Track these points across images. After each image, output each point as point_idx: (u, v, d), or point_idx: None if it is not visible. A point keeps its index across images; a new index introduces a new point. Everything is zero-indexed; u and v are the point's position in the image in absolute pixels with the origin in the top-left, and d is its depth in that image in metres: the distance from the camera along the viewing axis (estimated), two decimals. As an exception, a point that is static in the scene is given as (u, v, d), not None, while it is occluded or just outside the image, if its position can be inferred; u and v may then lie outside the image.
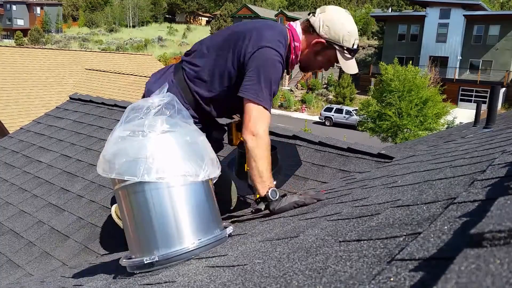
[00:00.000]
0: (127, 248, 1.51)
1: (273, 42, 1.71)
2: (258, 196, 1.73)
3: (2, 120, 11.67)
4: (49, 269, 2.47)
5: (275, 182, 1.78)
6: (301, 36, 1.84)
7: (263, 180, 1.69)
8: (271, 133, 3.21)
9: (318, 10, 1.84)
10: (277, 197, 1.68)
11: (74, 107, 4.79)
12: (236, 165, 2.81)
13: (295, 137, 3.11)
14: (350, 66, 1.87)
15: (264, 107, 1.69)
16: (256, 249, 1.16)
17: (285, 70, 1.86)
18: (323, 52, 1.85)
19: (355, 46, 1.83)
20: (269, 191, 1.67)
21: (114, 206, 2.24)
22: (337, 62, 1.87)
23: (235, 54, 1.75)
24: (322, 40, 1.81)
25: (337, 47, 1.81)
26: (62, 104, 5.02)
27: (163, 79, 1.92)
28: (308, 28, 1.83)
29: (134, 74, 15.22)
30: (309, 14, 1.88)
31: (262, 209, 1.73)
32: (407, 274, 0.59)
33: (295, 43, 1.81)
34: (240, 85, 1.72)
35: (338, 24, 1.79)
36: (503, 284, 0.41)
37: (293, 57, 1.84)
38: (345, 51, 1.83)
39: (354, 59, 1.88)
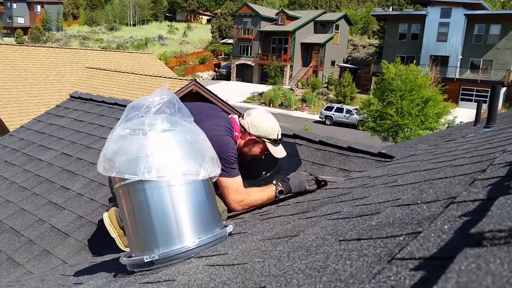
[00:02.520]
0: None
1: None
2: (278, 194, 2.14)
3: (2, 118, 11.66)
4: (49, 267, 2.47)
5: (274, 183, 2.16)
6: (239, 127, 2.28)
7: (269, 198, 2.13)
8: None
9: (245, 114, 2.34)
10: (283, 189, 2.11)
11: (75, 105, 4.79)
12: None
13: (295, 136, 3.11)
14: (278, 151, 2.34)
15: (233, 177, 2.10)
16: (256, 247, 1.16)
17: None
18: (256, 145, 2.31)
19: (279, 137, 2.31)
20: (277, 191, 2.11)
21: (106, 213, 2.23)
22: (267, 150, 2.31)
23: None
24: (253, 137, 2.27)
25: (265, 140, 2.29)
26: (63, 103, 5.02)
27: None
28: (241, 128, 2.29)
29: (135, 72, 15.21)
30: (239, 117, 2.34)
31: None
32: (407, 273, 0.59)
33: (235, 133, 2.25)
34: None
35: (263, 123, 2.28)
36: (504, 284, 0.41)
37: (236, 144, 2.23)
38: (272, 142, 2.30)
39: (280, 145, 2.36)
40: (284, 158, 2.86)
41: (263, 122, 2.29)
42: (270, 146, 2.30)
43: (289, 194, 2.15)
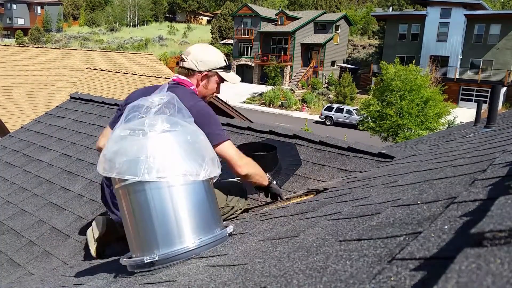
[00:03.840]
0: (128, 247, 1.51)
1: None
2: (266, 186, 2.17)
3: (2, 119, 11.67)
4: (49, 268, 2.47)
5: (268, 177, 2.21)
6: (189, 80, 2.15)
7: (262, 176, 2.14)
8: (272, 132, 3.21)
9: (184, 55, 2.20)
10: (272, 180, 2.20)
11: (75, 106, 4.79)
12: None
13: (295, 136, 3.11)
14: (233, 77, 2.26)
15: (226, 139, 2.01)
16: (256, 248, 1.16)
17: None
18: (210, 80, 2.20)
19: (227, 62, 2.24)
20: (269, 177, 2.18)
21: (89, 231, 2.26)
22: (223, 81, 2.24)
23: None
24: (205, 72, 2.16)
25: (217, 70, 2.19)
26: (63, 103, 5.02)
27: None
28: (188, 72, 2.16)
29: (135, 73, 15.22)
30: (177, 64, 2.19)
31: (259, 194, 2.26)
32: (408, 274, 0.59)
33: (191, 87, 2.13)
34: None
35: (206, 56, 2.17)
36: (504, 284, 0.41)
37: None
38: (224, 69, 2.22)
39: (232, 71, 2.28)
40: (284, 157, 2.86)
41: (206, 53, 2.17)
42: (224, 75, 2.20)
43: (272, 187, 2.19)
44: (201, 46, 2.24)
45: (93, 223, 2.26)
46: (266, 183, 2.13)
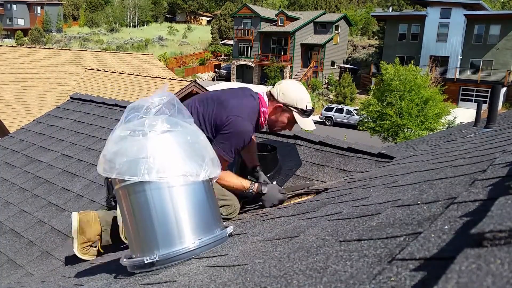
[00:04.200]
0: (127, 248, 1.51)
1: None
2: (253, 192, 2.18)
3: (2, 119, 11.67)
4: (49, 268, 2.47)
5: (256, 184, 2.19)
6: (267, 103, 2.26)
7: (244, 186, 2.15)
8: (272, 133, 3.21)
9: (277, 84, 2.30)
10: (256, 186, 2.17)
11: (75, 106, 4.79)
12: (236, 165, 2.81)
13: (295, 136, 3.11)
14: (307, 124, 2.28)
15: (225, 159, 2.08)
16: (256, 248, 1.16)
17: (255, 129, 2.30)
18: (283, 114, 2.26)
19: (308, 108, 2.25)
20: (250, 186, 2.17)
21: (77, 214, 2.24)
22: (295, 121, 2.27)
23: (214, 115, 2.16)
24: (280, 104, 2.23)
25: (293, 109, 2.23)
26: (63, 104, 5.02)
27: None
28: (270, 97, 2.26)
29: (135, 73, 15.22)
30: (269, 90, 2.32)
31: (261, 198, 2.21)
32: (408, 274, 0.59)
33: (263, 108, 2.23)
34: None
35: (291, 91, 2.24)
36: (504, 284, 0.41)
37: (262, 119, 2.25)
38: (300, 112, 2.24)
39: (310, 118, 2.31)
40: (284, 158, 2.86)
41: (291, 90, 2.24)
42: (297, 116, 2.24)
43: (259, 193, 2.18)
44: (294, 83, 2.33)
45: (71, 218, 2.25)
46: (242, 188, 2.15)
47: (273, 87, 2.32)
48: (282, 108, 2.23)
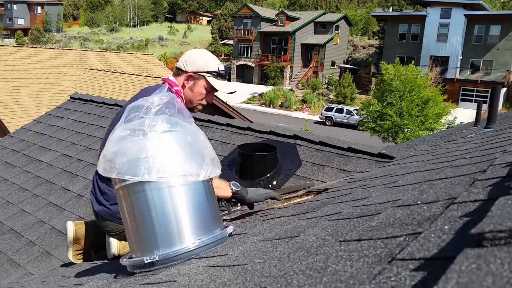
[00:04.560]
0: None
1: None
2: (230, 197, 1.96)
3: (2, 119, 11.67)
4: (49, 268, 2.47)
5: (238, 187, 1.98)
6: (176, 81, 2.09)
7: (222, 188, 1.91)
8: (272, 133, 3.21)
9: (180, 57, 2.17)
10: (240, 188, 1.95)
11: (75, 106, 4.79)
12: (236, 165, 2.81)
13: (295, 136, 3.11)
14: (224, 86, 2.13)
15: None
16: (256, 248, 1.16)
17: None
18: (197, 83, 2.10)
19: (221, 68, 2.12)
20: (232, 188, 1.94)
21: (72, 224, 2.24)
22: (213, 88, 2.11)
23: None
24: (190, 73, 2.08)
25: (205, 74, 2.09)
26: (63, 104, 5.03)
27: None
28: (177, 72, 2.11)
29: (135, 73, 15.22)
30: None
31: (239, 204, 2.13)
32: (408, 274, 0.59)
33: (175, 88, 2.05)
34: None
35: (197, 57, 2.11)
36: (504, 284, 0.41)
37: (180, 100, 2.04)
38: (214, 76, 2.10)
39: (225, 81, 2.17)
40: (284, 158, 2.86)
41: (198, 55, 2.12)
42: (212, 80, 2.09)
43: (238, 197, 1.99)
44: (197, 50, 2.20)
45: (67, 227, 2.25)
46: (227, 194, 1.93)
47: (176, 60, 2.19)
48: (194, 76, 2.08)
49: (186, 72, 2.08)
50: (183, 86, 2.10)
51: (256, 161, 2.74)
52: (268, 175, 2.63)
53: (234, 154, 2.98)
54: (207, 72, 2.09)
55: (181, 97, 2.07)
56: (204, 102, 2.16)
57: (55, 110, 4.88)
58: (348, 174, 2.60)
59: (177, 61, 2.18)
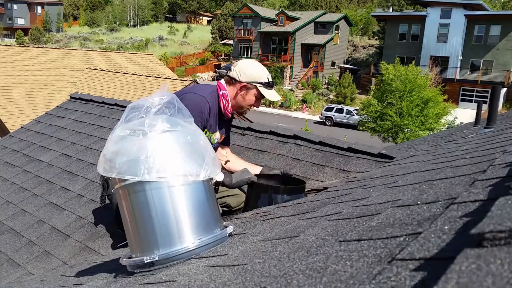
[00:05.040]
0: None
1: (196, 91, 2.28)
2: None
3: (2, 119, 11.67)
4: (49, 268, 2.47)
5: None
6: (226, 87, 2.33)
7: None
8: (272, 133, 3.21)
9: (232, 66, 2.36)
10: (224, 177, 2.00)
11: (75, 106, 4.79)
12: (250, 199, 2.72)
13: (295, 137, 3.11)
14: (273, 95, 2.37)
15: None
16: (256, 248, 1.16)
17: (220, 117, 2.36)
18: (249, 92, 2.33)
19: (269, 79, 2.34)
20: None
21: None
22: (262, 96, 2.35)
23: None
24: (244, 83, 2.30)
25: (257, 85, 2.31)
26: (63, 103, 5.02)
27: None
28: (230, 81, 2.33)
29: (135, 73, 15.22)
30: (226, 74, 2.37)
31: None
32: (408, 274, 0.59)
33: (222, 91, 2.30)
34: None
35: (250, 68, 2.32)
36: (504, 284, 0.41)
37: (224, 102, 2.31)
38: (264, 86, 2.32)
39: (273, 89, 2.40)
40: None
41: (251, 67, 2.33)
42: (263, 90, 2.32)
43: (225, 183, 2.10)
44: (249, 61, 2.41)
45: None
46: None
47: (229, 70, 2.36)
48: (247, 86, 2.30)
49: (241, 82, 2.30)
50: (236, 94, 2.32)
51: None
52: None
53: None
54: (259, 83, 2.31)
55: (227, 100, 2.31)
56: (253, 108, 2.42)
57: (55, 110, 4.88)
58: (348, 174, 2.60)
59: (229, 70, 2.37)
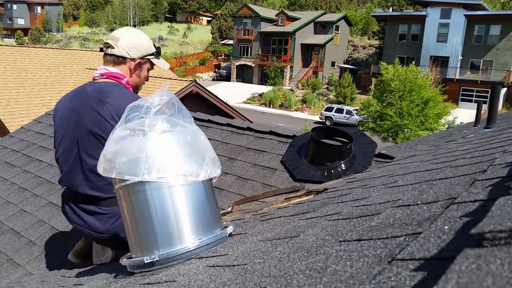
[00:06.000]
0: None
1: None
2: None
3: (2, 119, 11.67)
4: (49, 268, 2.47)
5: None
6: (117, 69, 1.96)
7: None
8: (272, 133, 3.21)
9: (111, 42, 1.96)
10: None
11: (75, 106, 4.79)
12: (308, 150, 2.75)
13: (295, 137, 3.10)
14: (163, 64, 2.12)
15: None
16: (256, 248, 1.16)
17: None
18: (143, 67, 2.05)
19: (157, 46, 2.09)
20: None
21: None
22: (152, 67, 2.09)
23: None
24: (138, 60, 2.00)
25: (149, 57, 2.05)
26: (63, 104, 5.02)
27: None
28: (118, 60, 1.96)
29: (135, 73, 15.22)
30: (101, 50, 2.01)
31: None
32: (408, 274, 0.59)
33: (124, 79, 1.96)
34: None
35: (136, 41, 1.99)
36: (504, 284, 0.41)
37: (131, 89, 2.00)
38: (155, 56, 2.08)
39: (160, 57, 2.13)
40: (356, 142, 2.73)
41: (136, 38, 1.99)
42: (156, 62, 2.07)
43: None
44: (129, 30, 2.04)
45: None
46: None
47: (109, 48, 1.94)
48: (141, 62, 2.01)
49: (133, 59, 1.97)
50: (131, 73, 2.00)
51: (333, 150, 2.67)
52: (342, 162, 2.59)
53: (299, 140, 2.93)
54: (151, 55, 2.04)
55: (130, 85, 1.99)
56: (145, 83, 2.13)
57: (55, 110, 4.88)
58: (348, 174, 2.60)
59: (107, 46, 1.96)
